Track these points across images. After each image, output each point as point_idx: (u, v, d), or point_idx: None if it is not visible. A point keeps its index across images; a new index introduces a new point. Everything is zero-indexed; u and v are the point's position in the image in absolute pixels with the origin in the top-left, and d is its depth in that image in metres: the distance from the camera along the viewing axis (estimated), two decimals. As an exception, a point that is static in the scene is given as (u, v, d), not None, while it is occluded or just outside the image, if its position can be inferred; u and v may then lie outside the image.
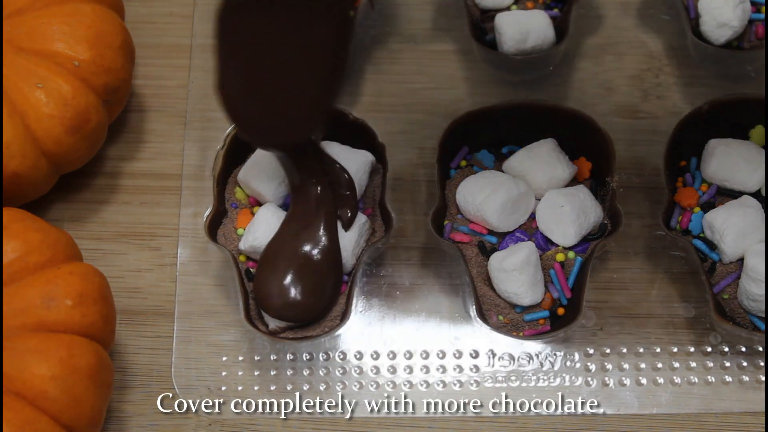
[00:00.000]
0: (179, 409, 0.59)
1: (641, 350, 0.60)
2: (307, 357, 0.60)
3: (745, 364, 0.60)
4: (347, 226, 0.59)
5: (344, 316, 0.58)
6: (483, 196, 0.59)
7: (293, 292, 0.57)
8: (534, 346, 0.60)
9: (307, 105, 0.55)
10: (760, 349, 0.59)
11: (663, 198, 0.61)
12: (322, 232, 0.58)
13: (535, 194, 0.61)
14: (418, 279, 0.62)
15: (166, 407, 0.59)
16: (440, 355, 0.60)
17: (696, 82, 0.68)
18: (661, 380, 0.59)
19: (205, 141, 0.66)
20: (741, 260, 0.59)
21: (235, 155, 0.62)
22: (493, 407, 0.59)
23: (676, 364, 0.60)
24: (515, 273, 0.57)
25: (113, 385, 0.56)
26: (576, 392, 0.59)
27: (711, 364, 0.60)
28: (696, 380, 0.59)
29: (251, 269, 0.60)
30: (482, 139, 0.64)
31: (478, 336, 0.60)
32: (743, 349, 0.60)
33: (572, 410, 0.59)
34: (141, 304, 0.62)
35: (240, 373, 0.60)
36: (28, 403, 0.51)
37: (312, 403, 0.59)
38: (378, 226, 0.61)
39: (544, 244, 0.60)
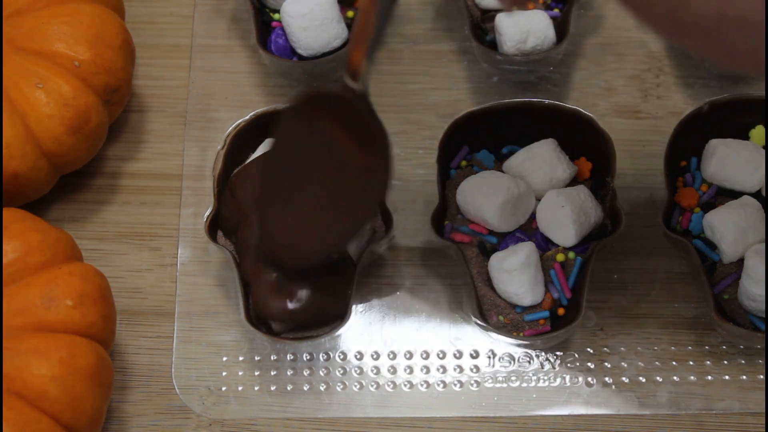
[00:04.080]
0: (179, 409, 0.59)
1: (641, 350, 0.60)
2: (308, 357, 0.60)
3: (745, 364, 0.60)
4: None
5: (344, 316, 0.58)
6: (483, 197, 0.59)
7: (297, 297, 0.57)
8: (534, 347, 0.60)
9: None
10: (760, 348, 0.60)
11: (663, 198, 0.61)
12: None
13: (535, 194, 0.61)
14: (418, 279, 0.62)
15: (166, 407, 0.59)
16: (440, 356, 0.60)
17: (696, 82, 0.68)
18: (661, 380, 0.59)
19: (205, 141, 0.66)
20: (741, 260, 0.59)
21: (235, 155, 0.62)
22: (494, 407, 0.59)
23: (676, 364, 0.60)
24: (515, 273, 0.57)
25: (113, 385, 0.56)
26: (576, 392, 0.59)
27: (711, 364, 0.60)
28: (696, 380, 0.59)
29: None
30: (482, 139, 0.64)
31: (479, 336, 0.60)
32: (743, 349, 0.60)
33: (572, 410, 0.59)
34: (141, 304, 0.62)
35: (240, 373, 0.60)
36: (29, 404, 0.51)
37: (312, 403, 0.59)
38: (378, 226, 0.61)
39: (545, 244, 0.60)
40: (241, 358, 0.60)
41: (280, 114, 0.55)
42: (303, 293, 0.57)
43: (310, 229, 0.55)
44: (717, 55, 0.40)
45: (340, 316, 0.58)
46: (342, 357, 0.60)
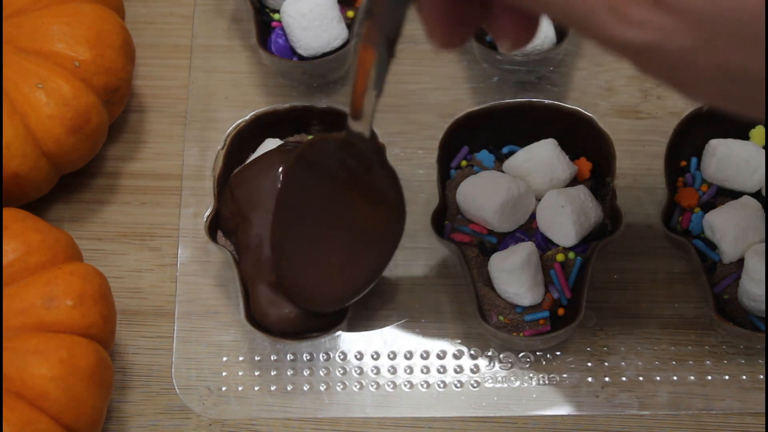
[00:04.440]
0: (179, 409, 0.59)
1: (641, 350, 0.60)
2: (308, 357, 0.60)
3: (744, 364, 0.60)
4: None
5: (344, 316, 0.58)
6: (483, 197, 0.59)
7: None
8: (534, 347, 0.60)
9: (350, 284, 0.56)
10: (760, 348, 0.60)
11: (663, 198, 0.61)
12: None
13: (535, 194, 0.61)
14: (418, 279, 0.62)
15: (166, 407, 0.59)
16: (440, 356, 0.60)
17: (696, 82, 0.68)
18: (660, 380, 0.59)
19: (205, 141, 0.66)
20: (741, 260, 0.59)
21: (235, 155, 0.62)
22: (494, 407, 0.59)
23: (676, 364, 0.60)
24: (515, 273, 0.57)
25: (113, 385, 0.56)
26: (576, 392, 0.59)
27: (711, 364, 0.60)
28: (696, 380, 0.59)
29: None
30: (482, 139, 0.64)
31: (479, 336, 0.60)
32: (743, 349, 0.60)
33: (572, 410, 0.59)
34: (141, 304, 0.62)
35: (240, 374, 0.60)
36: (29, 404, 0.51)
37: (312, 403, 0.59)
38: (378, 227, 0.61)
39: (545, 244, 0.60)
40: (241, 358, 0.60)
41: (288, 165, 0.56)
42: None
43: (331, 278, 0.56)
44: (724, 104, 0.38)
45: (340, 318, 0.58)
46: (342, 357, 0.60)
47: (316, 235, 0.56)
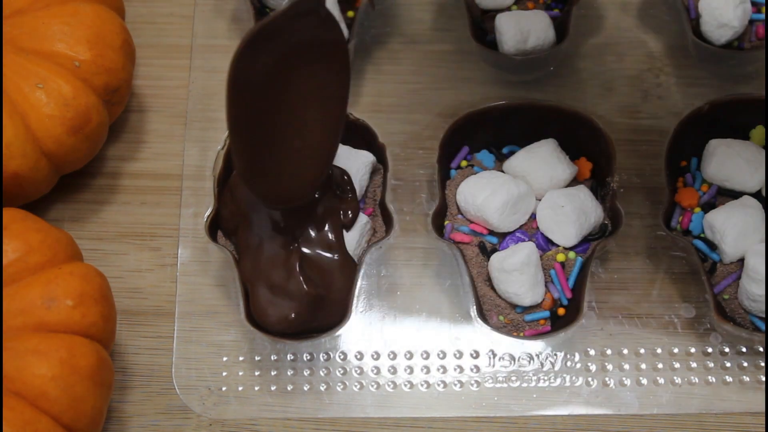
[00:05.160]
0: (179, 409, 0.59)
1: (641, 350, 0.60)
2: (308, 357, 0.60)
3: (745, 364, 0.60)
4: (348, 227, 0.59)
5: (344, 316, 0.58)
6: (483, 197, 0.59)
7: (296, 306, 0.57)
8: (534, 347, 0.60)
9: (311, 167, 0.56)
10: (761, 349, 0.60)
11: (663, 198, 0.61)
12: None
13: (535, 194, 0.61)
14: (418, 279, 0.62)
15: (166, 407, 0.59)
16: (441, 356, 0.60)
17: (696, 82, 0.68)
18: (661, 380, 0.59)
19: (205, 141, 0.66)
20: (741, 260, 0.59)
21: (235, 155, 0.62)
22: (494, 407, 0.59)
23: (677, 365, 0.60)
24: (516, 273, 0.57)
25: (113, 385, 0.56)
26: (576, 392, 0.59)
27: (711, 365, 0.60)
28: (696, 380, 0.59)
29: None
30: (483, 140, 0.64)
31: (479, 336, 0.60)
32: (743, 349, 0.60)
33: (572, 410, 0.59)
34: (141, 304, 0.62)
35: (240, 374, 0.60)
36: (29, 404, 0.51)
37: (312, 403, 0.59)
38: (379, 226, 0.61)
39: (545, 244, 0.60)
40: (241, 358, 0.60)
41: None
42: (302, 302, 0.56)
43: (300, 163, 0.56)
44: None
45: (341, 318, 0.58)
46: (342, 357, 0.60)
47: (275, 123, 0.54)
